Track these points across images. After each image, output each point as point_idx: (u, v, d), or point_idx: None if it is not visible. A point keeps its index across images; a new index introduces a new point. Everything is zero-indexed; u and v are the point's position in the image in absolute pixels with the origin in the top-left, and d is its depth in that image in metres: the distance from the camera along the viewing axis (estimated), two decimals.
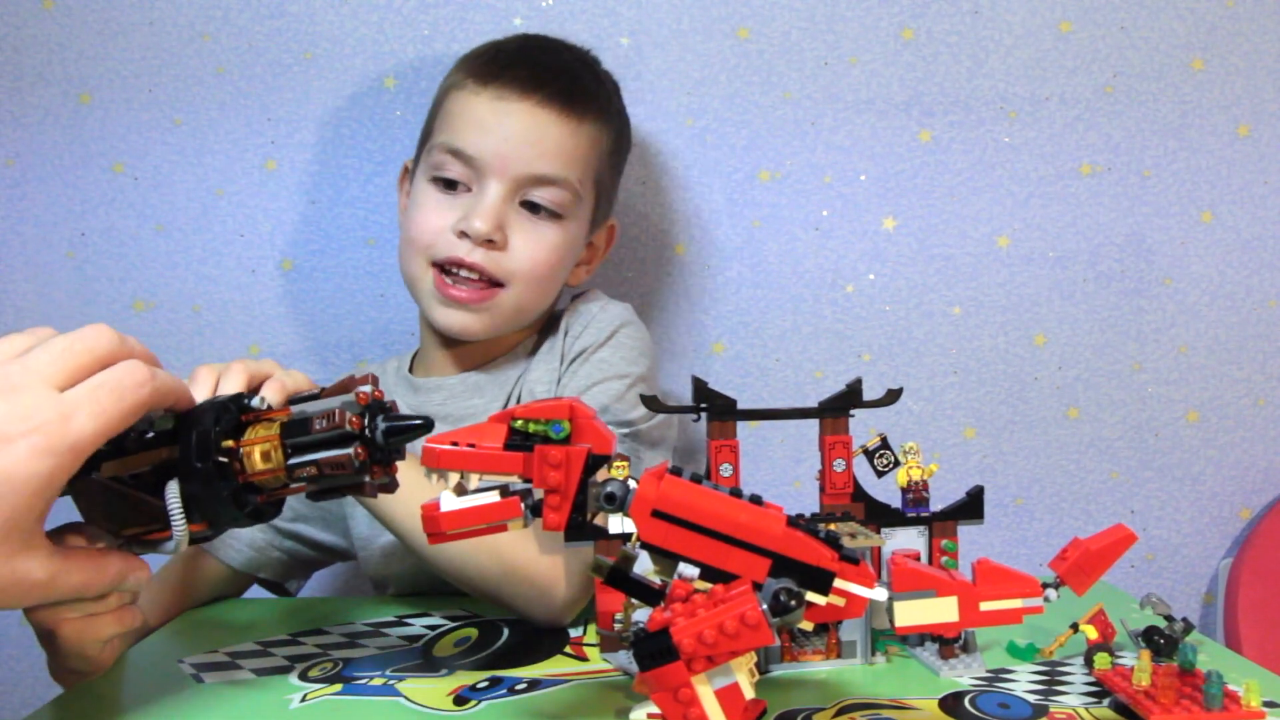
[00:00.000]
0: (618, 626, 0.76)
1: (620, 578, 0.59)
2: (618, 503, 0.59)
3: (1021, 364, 1.37)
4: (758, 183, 1.34)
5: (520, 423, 0.59)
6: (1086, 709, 0.71)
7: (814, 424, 0.81)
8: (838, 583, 0.56)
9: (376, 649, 0.86)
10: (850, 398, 0.79)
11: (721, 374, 1.34)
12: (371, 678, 0.79)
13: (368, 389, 0.66)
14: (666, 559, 0.57)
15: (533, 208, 1.06)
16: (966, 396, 1.36)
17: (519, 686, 0.76)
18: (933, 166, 1.34)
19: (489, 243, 1.04)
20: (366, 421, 0.65)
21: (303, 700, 0.74)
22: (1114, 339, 1.37)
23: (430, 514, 0.60)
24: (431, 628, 0.92)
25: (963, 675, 0.78)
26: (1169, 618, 0.78)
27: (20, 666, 1.33)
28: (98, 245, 1.31)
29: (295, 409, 0.68)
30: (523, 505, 0.61)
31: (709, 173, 1.33)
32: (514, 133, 1.04)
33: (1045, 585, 0.68)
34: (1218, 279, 1.37)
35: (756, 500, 0.58)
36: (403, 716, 0.71)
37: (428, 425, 0.66)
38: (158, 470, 0.66)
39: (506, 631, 0.91)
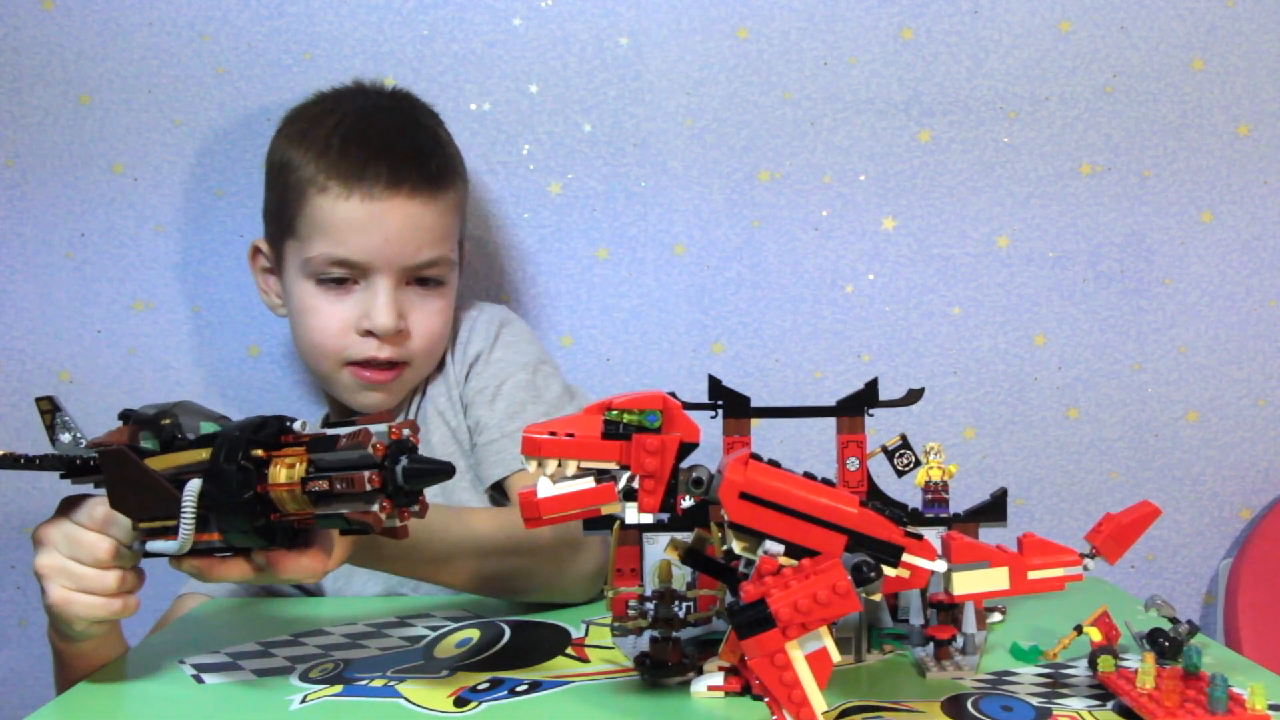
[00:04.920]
0: (632, 613, 0.78)
1: (696, 557, 0.65)
2: (704, 487, 0.64)
3: (1021, 364, 1.36)
4: (757, 183, 1.34)
5: (615, 414, 0.64)
6: (1090, 712, 0.71)
7: (813, 425, 0.81)
8: (905, 556, 0.61)
9: (377, 650, 0.86)
10: (867, 396, 0.80)
11: (721, 374, 1.30)
12: (372, 679, 0.79)
13: (406, 432, 0.67)
14: (752, 537, 0.62)
15: (420, 281, 1.11)
16: (966, 397, 1.36)
17: (520, 688, 0.76)
18: (932, 167, 1.34)
19: (395, 333, 1.08)
20: (390, 454, 0.65)
21: (303, 701, 0.74)
22: (1114, 339, 1.37)
23: (529, 500, 0.64)
24: (433, 628, 0.92)
25: (953, 677, 0.78)
26: (1174, 620, 0.78)
27: (20, 666, 1.33)
28: (98, 245, 1.31)
29: (330, 431, 0.68)
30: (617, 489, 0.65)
31: (709, 173, 1.33)
32: (393, 231, 1.07)
33: (1083, 556, 0.71)
34: (1217, 279, 1.37)
35: (828, 483, 0.63)
36: (403, 718, 0.71)
37: (449, 471, 0.66)
38: (194, 472, 0.66)
39: (508, 633, 0.90)
